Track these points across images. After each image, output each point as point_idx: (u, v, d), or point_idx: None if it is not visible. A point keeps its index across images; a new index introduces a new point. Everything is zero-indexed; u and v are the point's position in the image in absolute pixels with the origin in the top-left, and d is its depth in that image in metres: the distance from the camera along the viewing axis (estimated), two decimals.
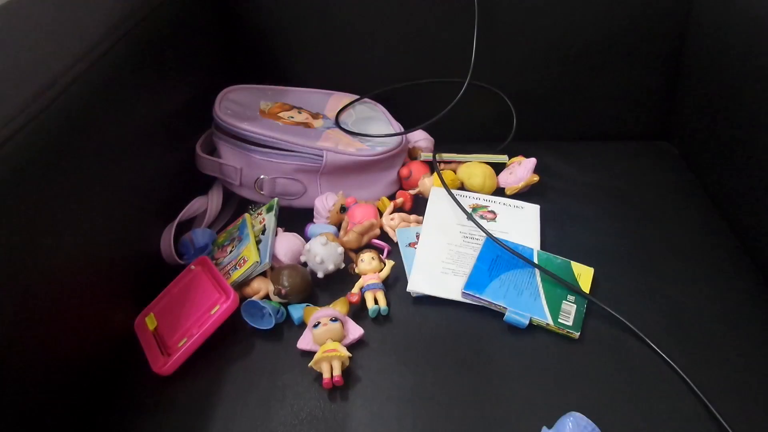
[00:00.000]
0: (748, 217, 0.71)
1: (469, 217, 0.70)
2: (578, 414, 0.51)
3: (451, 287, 0.64)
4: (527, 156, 0.82)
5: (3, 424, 0.46)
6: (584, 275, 0.65)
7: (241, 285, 0.66)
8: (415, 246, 0.69)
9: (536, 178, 0.78)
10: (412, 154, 0.85)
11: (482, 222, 0.73)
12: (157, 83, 0.70)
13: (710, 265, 0.69)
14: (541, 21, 0.84)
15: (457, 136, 0.91)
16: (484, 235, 0.69)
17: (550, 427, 0.51)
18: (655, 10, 0.83)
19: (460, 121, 0.91)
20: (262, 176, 0.74)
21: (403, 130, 0.82)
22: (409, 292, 0.65)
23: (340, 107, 0.85)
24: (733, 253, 0.71)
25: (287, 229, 0.72)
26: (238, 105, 0.80)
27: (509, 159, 0.83)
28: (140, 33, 0.67)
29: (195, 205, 0.74)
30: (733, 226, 0.74)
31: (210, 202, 0.76)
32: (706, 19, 0.79)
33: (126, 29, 0.65)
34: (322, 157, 0.74)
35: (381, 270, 0.66)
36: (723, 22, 0.75)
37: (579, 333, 0.60)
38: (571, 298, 0.63)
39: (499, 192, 0.80)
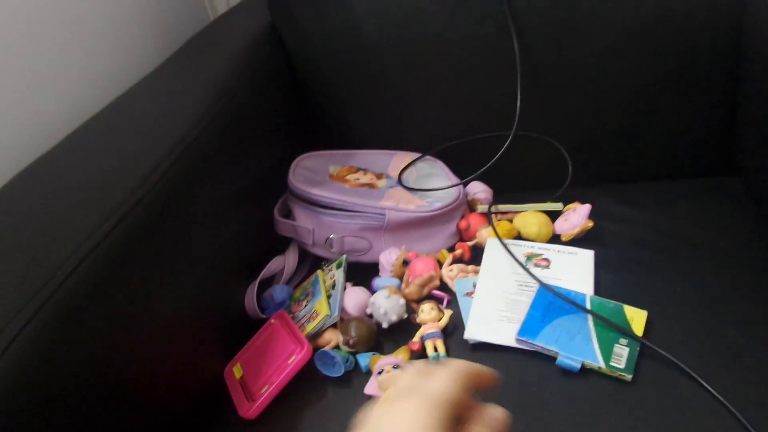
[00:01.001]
0: None
1: (521, 266, 0.74)
2: None
3: (506, 334, 0.68)
4: (584, 201, 0.85)
5: None
6: (637, 318, 0.67)
7: (314, 336, 0.73)
8: (472, 295, 0.74)
9: (591, 224, 0.81)
10: (472, 207, 0.90)
11: (536, 270, 0.76)
12: (240, 159, 0.81)
13: None
14: (587, 70, 0.88)
15: (516, 186, 0.95)
16: (544, 282, 0.72)
17: None
18: (705, 45, 0.85)
19: (517, 170, 0.95)
20: (331, 236, 0.82)
21: (457, 183, 0.88)
22: (466, 340, 0.69)
23: (402, 166, 0.92)
24: None
25: (356, 283, 0.79)
26: (309, 171, 0.89)
27: (564, 206, 0.86)
28: (224, 118, 0.78)
29: (274, 264, 0.83)
30: None
31: (287, 261, 0.84)
32: (759, 48, 0.80)
33: (212, 115, 0.76)
34: (384, 215, 0.81)
35: (440, 319, 0.71)
36: None
37: (631, 376, 0.62)
38: (623, 341, 0.65)
39: (556, 239, 0.83)
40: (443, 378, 0.38)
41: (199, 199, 0.71)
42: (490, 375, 0.42)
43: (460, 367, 0.39)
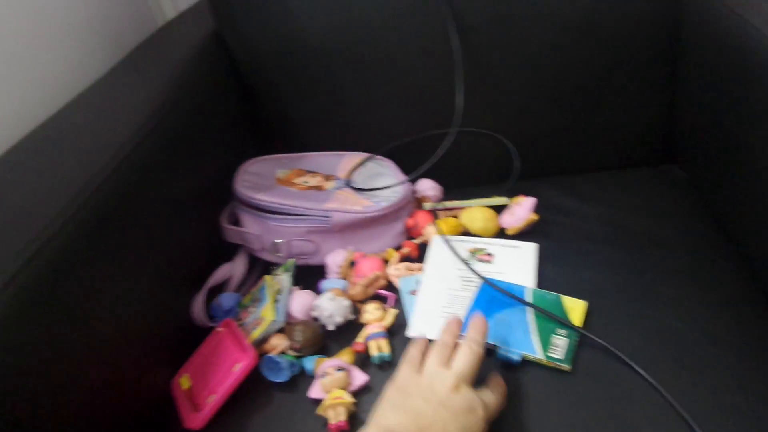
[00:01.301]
0: (751, 236, 0.72)
1: (463, 261, 0.74)
2: None
3: None
4: (530, 195, 0.86)
5: None
6: (577, 309, 0.68)
7: (261, 342, 0.73)
8: (416, 293, 0.74)
9: (536, 217, 0.82)
10: (421, 205, 0.91)
11: (479, 265, 0.77)
12: (184, 168, 0.80)
13: (709, 289, 0.70)
14: (527, 65, 0.89)
15: (465, 182, 0.96)
16: (485, 277, 0.73)
17: None
18: (643, 37, 0.86)
19: (465, 166, 0.96)
20: (278, 240, 0.82)
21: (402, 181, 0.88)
22: (410, 338, 0.70)
23: (351, 167, 0.92)
24: (733, 275, 0.72)
25: (304, 287, 0.80)
26: (256, 176, 0.89)
27: (511, 199, 0.87)
28: (166, 127, 0.77)
29: (221, 272, 0.82)
30: (737, 247, 0.75)
31: (235, 268, 0.84)
32: (697, 38, 0.81)
33: (152, 126, 0.75)
34: (329, 217, 0.81)
35: (384, 319, 0.72)
36: (714, 41, 0.76)
37: (570, 366, 0.63)
38: (561, 331, 0.66)
39: (503, 234, 0.84)
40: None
41: (140, 210, 0.70)
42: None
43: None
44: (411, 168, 0.93)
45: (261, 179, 0.88)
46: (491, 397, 0.57)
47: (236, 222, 0.88)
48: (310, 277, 0.82)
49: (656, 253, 0.76)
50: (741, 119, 0.70)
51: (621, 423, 0.58)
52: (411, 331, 0.70)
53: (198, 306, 0.78)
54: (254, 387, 0.69)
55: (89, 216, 0.62)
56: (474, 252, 0.79)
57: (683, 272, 0.73)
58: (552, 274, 0.76)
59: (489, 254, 0.78)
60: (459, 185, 0.94)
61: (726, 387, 0.59)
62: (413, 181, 0.89)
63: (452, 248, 0.76)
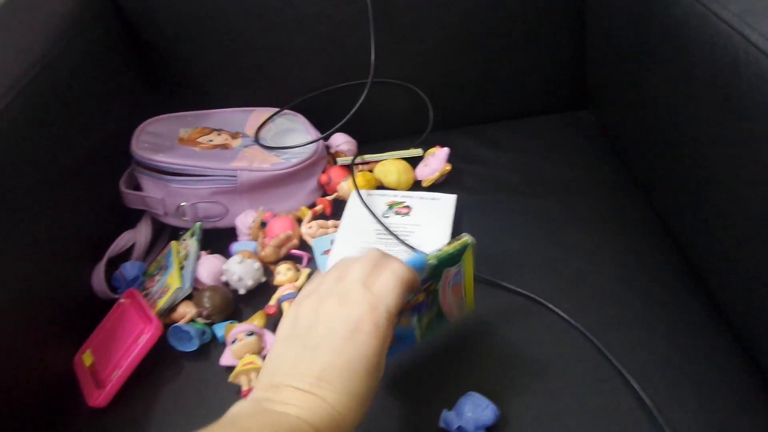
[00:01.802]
0: (656, 180, 0.73)
1: (374, 216, 0.73)
2: (476, 394, 0.54)
3: None
4: (445, 146, 0.84)
5: None
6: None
7: (168, 311, 0.69)
8: (330, 253, 0.72)
9: (449, 167, 0.81)
10: (335, 160, 0.88)
11: (396, 217, 0.75)
12: (69, 131, 0.73)
13: (618, 234, 0.72)
14: (436, 11, 0.86)
15: (380, 135, 0.93)
16: (398, 231, 0.72)
17: (450, 409, 0.54)
18: None
19: (380, 119, 0.93)
20: (182, 203, 0.77)
21: (315, 139, 0.85)
22: None
23: (260, 124, 0.88)
24: (640, 217, 0.74)
25: (213, 251, 0.76)
26: (156, 137, 0.83)
27: (426, 150, 0.86)
28: (41, 88, 0.70)
29: (123, 240, 0.77)
30: (644, 188, 0.77)
31: (138, 235, 0.79)
32: None
33: (23, 86, 0.67)
34: (236, 177, 0.77)
35: (298, 279, 0.69)
36: None
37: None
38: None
39: (419, 186, 0.83)
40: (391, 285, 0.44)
41: (21, 175, 0.64)
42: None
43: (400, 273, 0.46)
44: (322, 122, 0.89)
45: (161, 139, 0.83)
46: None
47: (137, 187, 0.82)
48: (220, 240, 0.78)
49: (567, 200, 0.77)
50: (643, 62, 0.71)
51: (528, 366, 0.59)
52: None
53: (98, 277, 0.73)
54: (162, 359, 0.66)
55: None
56: (391, 205, 0.77)
57: (593, 218, 0.74)
58: (466, 226, 0.75)
59: (407, 207, 0.76)
60: (373, 139, 0.92)
61: (636, 324, 0.61)
62: (327, 138, 0.85)
63: (364, 202, 0.74)
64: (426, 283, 0.53)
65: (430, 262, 0.51)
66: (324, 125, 0.89)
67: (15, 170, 0.63)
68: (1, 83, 0.66)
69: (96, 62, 0.81)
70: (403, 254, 0.70)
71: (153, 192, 0.79)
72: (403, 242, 0.70)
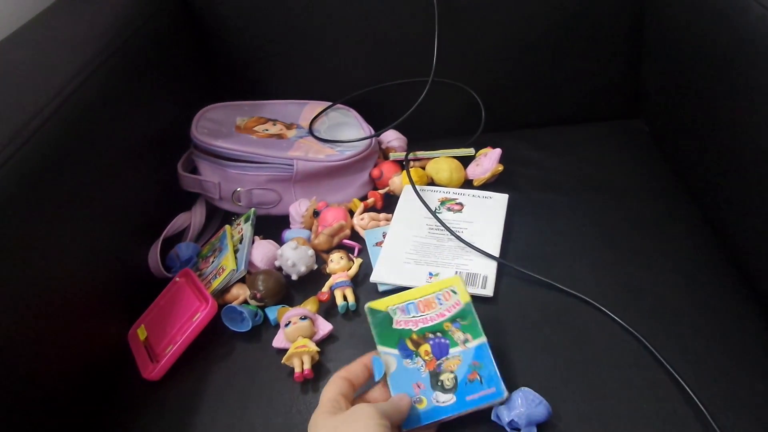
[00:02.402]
0: (711, 190, 0.73)
1: (430, 210, 0.73)
2: (527, 389, 0.54)
3: (412, 276, 0.68)
4: (496, 147, 0.85)
5: (10, 425, 0.52)
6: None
7: (222, 292, 0.71)
8: (382, 245, 0.73)
9: (501, 168, 0.81)
10: (386, 155, 0.89)
11: (448, 213, 0.76)
12: (134, 112, 0.75)
13: (669, 240, 0.71)
14: (498, 14, 0.87)
15: (430, 133, 0.94)
16: (448, 226, 0.72)
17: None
18: None
19: (432, 118, 0.94)
20: (238, 189, 0.79)
21: (372, 132, 0.86)
22: (377, 290, 0.69)
23: (314, 116, 0.89)
24: (693, 227, 0.73)
25: (265, 237, 0.77)
26: (214, 123, 0.85)
27: (477, 151, 0.86)
28: (112, 68, 0.72)
29: (179, 221, 0.79)
30: (697, 200, 0.76)
31: (193, 217, 0.81)
32: None
33: (96, 65, 0.70)
34: (292, 166, 0.78)
35: (350, 269, 0.70)
36: None
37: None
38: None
39: (469, 185, 0.83)
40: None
41: (87, 153, 0.66)
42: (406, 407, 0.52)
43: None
44: (374, 117, 0.91)
45: (219, 126, 0.85)
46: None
47: (194, 170, 0.84)
48: (271, 227, 0.79)
49: (620, 206, 0.77)
50: (704, 75, 0.70)
51: (582, 365, 0.59)
52: (374, 277, 0.68)
53: (154, 255, 0.75)
54: (215, 338, 0.68)
55: (29, 158, 0.57)
56: (443, 201, 0.78)
57: (647, 225, 0.74)
58: (518, 225, 0.76)
59: (459, 204, 0.77)
60: (422, 137, 0.93)
61: (691, 331, 0.61)
62: (378, 134, 0.86)
63: (419, 196, 0.75)
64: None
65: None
66: (374, 120, 0.90)
67: (84, 148, 0.65)
68: (74, 67, 0.68)
69: (162, 50, 0.83)
70: (456, 249, 0.71)
71: (210, 176, 0.81)
72: (458, 237, 0.70)
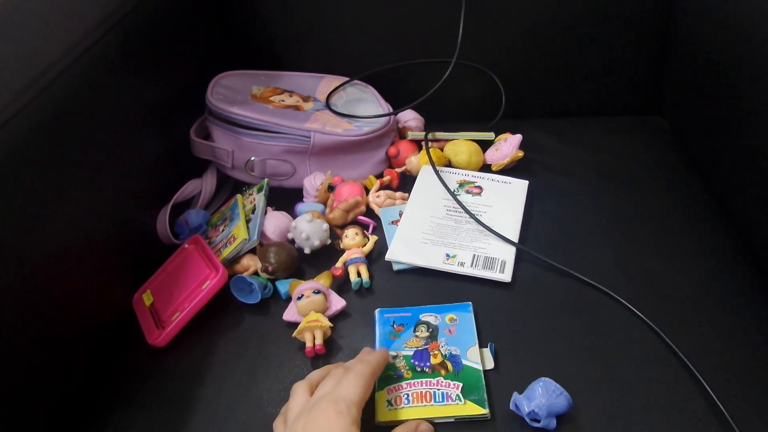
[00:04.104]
0: (731, 188, 0.72)
1: (450, 192, 0.72)
2: (548, 379, 0.53)
3: (429, 256, 0.66)
4: (515, 133, 0.83)
5: (9, 391, 0.50)
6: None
7: (231, 262, 0.69)
8: (398, 224, 0.71)
9: (521, 153, 0.80)
10: (402, 134, 0.87)
11: (467, 196, 0.74)
12: (150, 71, 0.73)
13: (689, 235, 0.70)
14: (525, 2, 0.85)
15: (448, 116, 0.92)
16: (468, 208, 0.71)
17: (521, 392, 0.53)
18: None
19: (450, 100, 0.92)
20: (252, 158, 0.77)
21: (391, 110, 0.84)
22: (392, 268, 0.67)
23: (331, 90, 0.87)
24: (713, 224, 0.72)
25: (277, 208, 0.75)
26: (230, 90, 0.83)
27: (496, 136, 0.85)
28: (129, 24, 0.70)
29: (189, 188, 0.77)
30: (717, 197, 0.75)
31: (204, 184, 0.79)
32: None
33: (114, 21, 0.68)
34: (309, 138, 0.76)
35: (365, 245, 0.69)
36: None
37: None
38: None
39: (487, 169, 0.81)
40: (352, 382, 0.48)
41: (99, 111, 0.63)
42: (385, 358, 0.54)
43: (362, 370, 0.49)
44: (392, 94, 0.89)
45: (235, 93, 0.82)
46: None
47: (207, 137, 0.82)
48: (283, 199, 0.77)
49: (641, 200, 0.75)
50: (731, 75, 0.69)
51: (601, 357, 0.58)
52: (390, 255, 0.67)
53: (162, 221, 0.73)
54: (222, 308, 0.66)
55: (41, 112, 0.55)
56: (462, 184, 0.76)
57: (667, 220, 0.73)
58: (537, 213, 0.74)
59: (479, 187, 0.76)
60: (440, 119, 0.90)
61: (710, 329, 0.60)
62: (398, 112, 0.84)
63: (440, 177, 0.73)
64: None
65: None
66: (391, 99, 0.88)
67: (98, 105, 0.63)
68: (91, 22, 0.66)
69: (181, 11, 0.81)
70: (474, 232, 0.69)
71: (223, 144, 0.78)
72: (476, 219, 0.69)
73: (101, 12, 0.67)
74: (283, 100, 0.84)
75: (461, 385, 0.54)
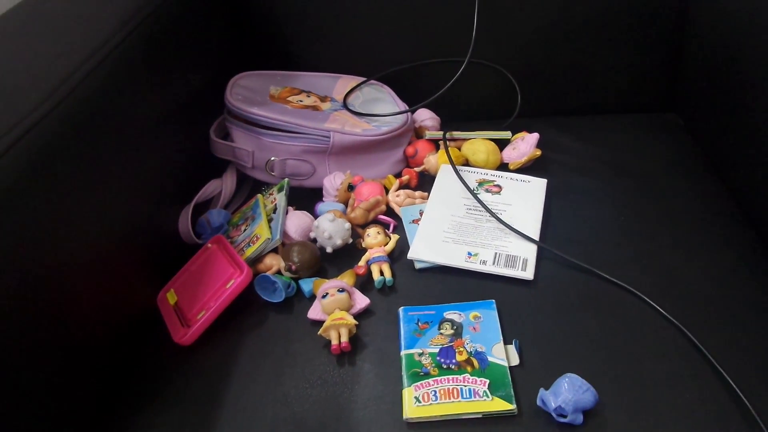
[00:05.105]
0: (747, 184, 0.72)
1: (470, 191, 0.72)
2: (574, 375, 0.53)
3: (449, 254, 0.67)
4: (531, 131, 0.84)
5: (40, 391, 0.51)
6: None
7: (254, 261, 0.69)
8: (419, 222, 0.72)
9: (539, 152, 0.80)
10: (419, 134, 0.88)
11: (487, 195, 0.75)
12: (169, 73, 0.74)
13: (706, 231, 0.71)
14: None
15: (464, 115, 0.93)
16: (488, 207, 0.71)
17: (547, 388, 0.54)
18: None
19: (466, 99, 0.93)
20: (272, 158, 0.78)
21: (408, 109, 0.85)
22: (414, 267, 0.68)
23: (348, 90, 0.88)
24: (731, 220, 0.72)
25: (297, 208, 0.76)
26: (248, 90, 0.83)
27: (513, 135, 0.85)
28: (151, 25, 0.70)
29: (210, 188, 0.77)
30: (733, 193, 0.76)
31: (224, 184, 0.79)
32: None
33: (137, 22, 0.68)
34: (329, 138, 0.77)
35: (387, 244, 0.69)
36: None
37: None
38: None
39: (504, 168, 0.82)
40: None
41: (122, 112, 0.64)
42: None
43: None
44: (408, 94, 0.89)
45: (253, 94, 0.83)
46: None
47: (226, 137, 0.83)
48: (303, 199, 0.78)
49: (656, 195, 0.76)
50: (745, 71, 0.69)
51: (625, 352, 0.58)
52: (411, 254, 0.67)
53: (185, 221, 0.73)
54: (246, 307, 0.66)
55: (70, 110, 0.56)
56: (481, 183, 0.77)
57: (684, 216, 0.73)
58: (557, 210, 0.75)
59: (498, 186, 0.76)
60: (455, 119, 0.92)
61: (733, 326, 0.60)
62: (416, 110, 0.85)
63: (460, 176, 0.74)
64: None
65: None
66: (408, 98, 0.89)
67: (122, 104, 0.64)
68: (122, 15, 0.66)
69: (196, 13, 0.81)
70: (495, 231, 0.70)
71: (243, 144, 0.79)
72: (497, 218, 0.69)
73: (120, 14, 0.68)
74: (301, 101, 0.84)
75: (488, 381, 0.55)
